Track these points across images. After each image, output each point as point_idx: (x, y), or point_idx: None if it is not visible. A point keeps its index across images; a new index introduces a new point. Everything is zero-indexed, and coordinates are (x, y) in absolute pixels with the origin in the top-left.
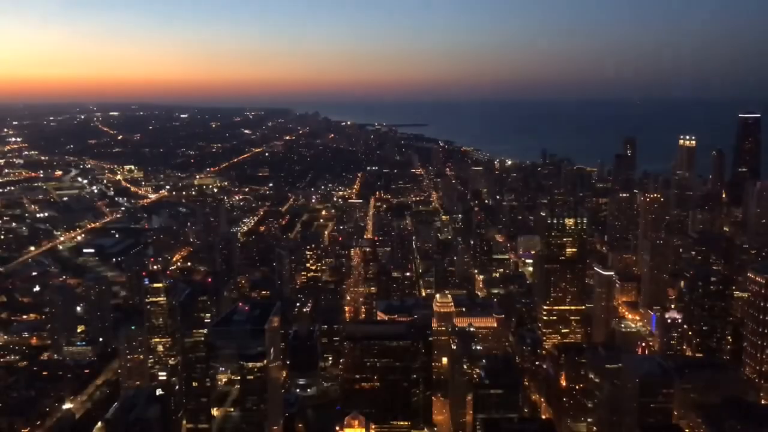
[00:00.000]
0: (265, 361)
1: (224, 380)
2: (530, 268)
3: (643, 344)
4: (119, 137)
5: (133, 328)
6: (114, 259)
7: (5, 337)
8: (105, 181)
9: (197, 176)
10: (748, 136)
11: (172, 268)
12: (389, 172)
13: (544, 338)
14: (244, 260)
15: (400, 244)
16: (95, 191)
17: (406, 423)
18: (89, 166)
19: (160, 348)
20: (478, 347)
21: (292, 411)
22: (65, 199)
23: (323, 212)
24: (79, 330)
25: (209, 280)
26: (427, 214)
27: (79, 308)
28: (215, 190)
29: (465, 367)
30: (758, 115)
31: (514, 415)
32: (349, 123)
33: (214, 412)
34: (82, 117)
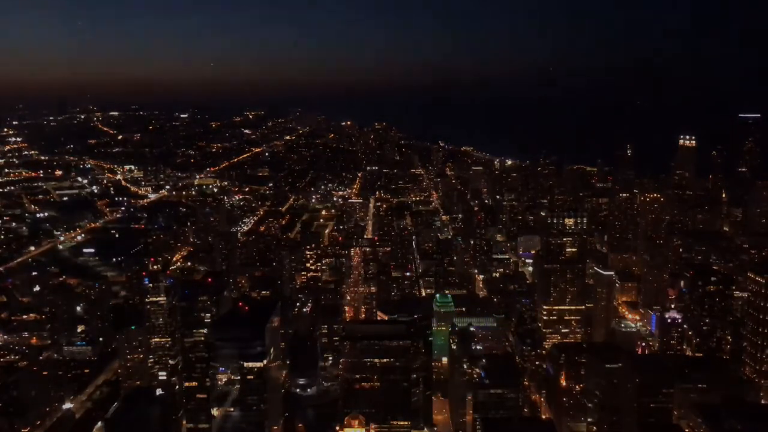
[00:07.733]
0: (265, 361)
1: (224, 380)
2: (530, 268)
3: (643, 344)
4: (119, 137)
5: (133, 328)
6: (114, 259)
7: (5, 337)
8: (105, 181)
9: (197, 176)
10: (748, 136)
11: (172, 268)
12: (389, 172)
13: (545, 338)
14: (244, 260)
15: (400, 244)
16: (95, 191)
17: (406, 423)
18: (89, 166)
19: (160, 348)
20: (478, 347)
21: (292, 411)
22: (65, 199)
23: (323, 212)
24: (79, 330)
25: (209, 280)
26: (427, 214)
27: (79, 308)
28: (215, 190)
29: (465, 367)
30: (758, 115)
31: (514, 415)
32: (349, 123)
33: (214, 412)
34: (82, 117)
